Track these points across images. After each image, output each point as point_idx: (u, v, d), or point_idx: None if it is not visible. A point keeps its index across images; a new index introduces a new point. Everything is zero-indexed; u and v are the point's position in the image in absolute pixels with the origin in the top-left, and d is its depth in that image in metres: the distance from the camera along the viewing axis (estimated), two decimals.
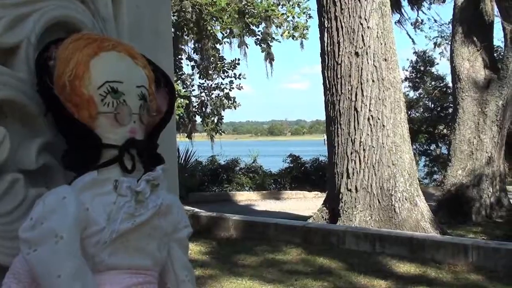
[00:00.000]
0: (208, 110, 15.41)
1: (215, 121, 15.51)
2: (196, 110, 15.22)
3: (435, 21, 25.48)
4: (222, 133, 15.99)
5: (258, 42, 14.69)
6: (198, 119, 15.67)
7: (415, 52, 19.59)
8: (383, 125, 7.88)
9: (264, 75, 14.98)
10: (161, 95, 1.58)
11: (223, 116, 15.60)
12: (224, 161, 15.77)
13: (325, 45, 8.30)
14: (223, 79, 15.49)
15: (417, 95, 19.82)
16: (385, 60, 7.99)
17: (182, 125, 14.37)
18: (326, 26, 8.27)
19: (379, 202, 7.67)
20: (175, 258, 1.53)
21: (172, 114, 1.63)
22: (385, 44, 8.01)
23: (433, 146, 19.01)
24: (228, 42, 14.63)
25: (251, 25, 13.87)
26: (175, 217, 1.54)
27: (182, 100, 12.53)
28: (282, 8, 14.11)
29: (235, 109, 15.35)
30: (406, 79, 19.69)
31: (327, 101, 8.31)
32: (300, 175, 15.27)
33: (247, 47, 14.75)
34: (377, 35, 7.97)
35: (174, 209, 1.53)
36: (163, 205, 1.47)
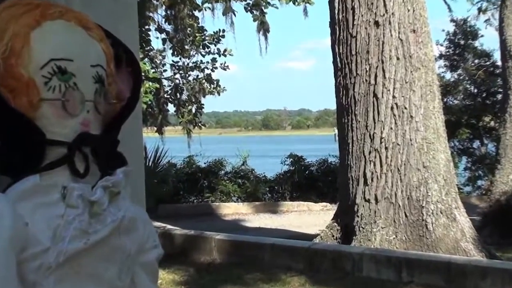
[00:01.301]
0: (184, 96, 15.44)
1: (193, 111, 15.50)
2: (168, 96, 15.24)
3: None
4: (202, 127, 16.02)
5: (249, 8, 14.76)
6: (171, 108, 15.68)
7: (453, 21, 19.76)
8: (411, 116, 7.93)
9: (256, 51, 15.08)
10: (123, 77, 1.59)
11: (203, 104, 15.63)
12: (205, 163, 15.82)
13: (336, 12, 8.32)
14: (203, 56, 15.55)
15: (456, 77, 19.99)
16: (414, 31, 8.03)
17: (150, 116, 14.36)
18: None
19: (406, 216, 7.73)
20: (140, 287, 1.54)
21: (138, 102, 1.64)
22: (413, 11, 8.05)
23: (476, 144, 19.21)
24: (209, 8, 14.63)
25: None
26: (141, 234, 1.54)
27: (150, 83, 12.58)
28: None
29: (219, 95, 15.37)
30: (441, 56, 19.84)
31: (338, 85, 8.38)
32: (304, 181, 15.44)
33: (235, 15, 14.76)
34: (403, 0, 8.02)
35: (139, 224, 1.54)
36: (126, 219, 1.48)
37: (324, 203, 13.98)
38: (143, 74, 9.90)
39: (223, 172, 15.83)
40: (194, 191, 14.98)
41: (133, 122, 1.68)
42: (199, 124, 15.78)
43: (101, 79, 1.49)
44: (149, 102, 13.08)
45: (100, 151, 1.47)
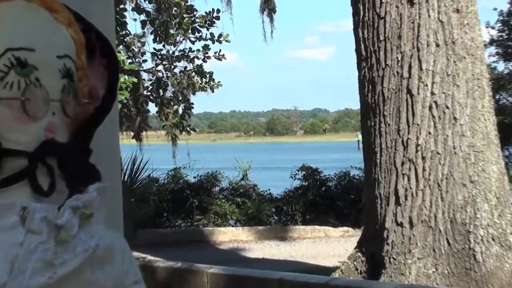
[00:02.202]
0: (169, 93, 15.39)
1: (180, 111, 15.48)
2: (149, 94, 15.20)
3: None
4: (192, 132, 15.98)
5: None
6: (152, 108, 15.71)
7: None
8: (455, 118, 7.91)
9: (259, 36, 15.02)
10: (97, 71, 1.59)
11: (192, 104, 15.66)
12: (195, 178, 15.88)
13: None
14: (192, 43, 15.55)
15: (511, 68, 19.90)
16: (457, 11, 8.02)
17: (126, 119, 14.37)
18: None
19: (448, 243, 7.69)
20: None
21: (114, 101, 1.65)
22: None
23: None
24: None
25: None
26: (119, 267, 1.54)
27: (126, 77, 12.48)
28: None
29: (213, 92, 15.30)
30: (492, 42, 19.70)
31: (362, 78, 8.40)
32: (320, 200, 15.53)
33: None
34: None
35: (117, 254, 1.54)
36: (100, 248, 1.48)
37: (345, 228, 14.03)
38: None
39: (217, 188, 15.87)
40: (182, 213, 15.02)
41: (109, 127, 1.74)
42: (187, 129, 15.68)
43: (69, 73, 1.48)
44: (125, 101, 12.91)
45: (69, 163, 1.46)
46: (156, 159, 15.29)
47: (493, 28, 19.81)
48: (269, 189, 16.35)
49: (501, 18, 19.56)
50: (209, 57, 15.38)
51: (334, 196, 15.67)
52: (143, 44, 15.54)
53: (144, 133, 15.16)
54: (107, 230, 1.52)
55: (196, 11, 15.42)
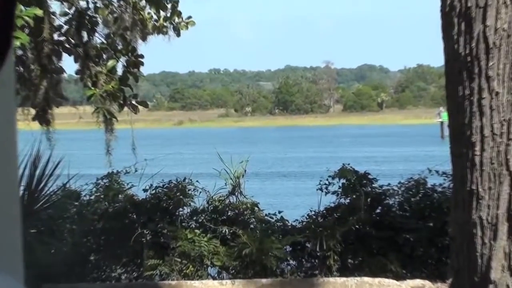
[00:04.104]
0: (99, 38, 12.51)
1: (119, 71, 12.38)
2: (63, 38, 12.25)
3: None
4: (139, 108, 12.89)
5: None
6: (68, 64, 12.63)
7: None
8: None
9: None
10: None
11: (142, 57, 12.54)
12: (146, 192, 13.26)
13: None
14: None
15: None
16: None
17: (22, 85, 11.77)
18: None
19: None
20: None
21: (9, 50, 1.49)
22: None
23: None
24: None
25: None
26: None
27: (23, 8, 10.05)
28: None
29: (179, 35, 12.57)
30: None
31: (449, 10, 7.19)
32: (373, 230, 12.52)
33: None
34: None
35: None
36: None
37: (418, 282, 11.47)
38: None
39: (187, 210, 13.04)
40: (122, 255, 12.46)
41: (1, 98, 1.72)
42: (132, 102, 12.50)
43: None
44: (20, 52, 10.75)
45: None
46: (77, 157, 13.23)
47: None
48: (279, 212, 13.12)
49: None
50: None
51: (398, 223, 12.45)
52: None
53: (53, 110, 12.00)
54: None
55: None
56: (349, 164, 13.60)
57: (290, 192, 15.12)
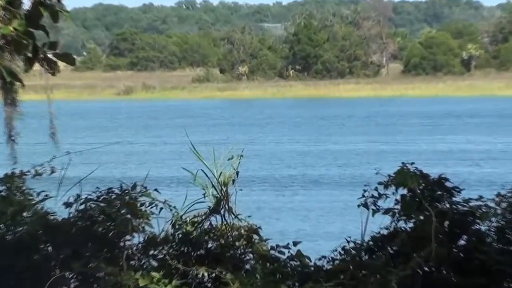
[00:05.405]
0: None
1: (22, 11, 9.17)
2: None
3: None
4: (59, 65, 9.33)
5: None
6: None
7: None
8: None
9: None
10: None
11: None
12: (70, 209, 10.84)
13: None
14: None
15: None
16: None
17: None
18: None
19: None
20: None
21: None
22: None
23: None
24: None
25: None
26: None
27: None
28: None
29: None
30: None
31: None
32: (452, 274, 10.49)
33: None
34: None
35: None
36: None
37: None
38: None
39: (138, 240, 10.62)
40: None
41: None
42: (48, 56, 9.29)
43: None
44: None
45: None
46: None
47: None
48: (295, 243, 10.35)
49: None
50: None
51: (495, 263, 10.14)
52: None
53: None
54: None
55: None
56: (413, 163, 10.38)
57: (312, 209, 14.13)
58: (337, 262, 10.57)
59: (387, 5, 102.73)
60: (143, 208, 10.78)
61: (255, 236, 10.74)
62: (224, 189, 10.85)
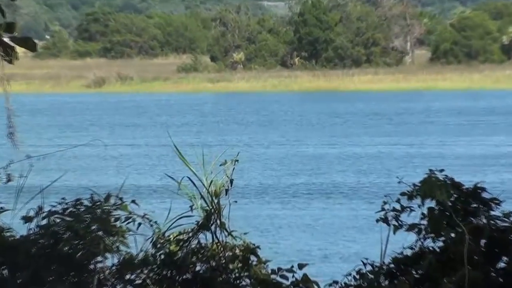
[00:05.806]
0: None
1: None
2: None
3: None
4: (17, 52, 9.17)
5: None
6: None
7: None
8: None
9: None
10: None
11: None
12: (30, 224, 9.60)
13: None
14: None
15: None
16: None
17: None
18: None
19: None
20: None
21: None
22: None
23: None
24: None
25: None
26: None
27: None
28: None
29: None
30: None
31: None
32: None
33: None
34: None
35: None
36: None
37: None
38: None
39: (112, 262, 9.58)
40: None
41: None
42: (4, 41, 8.93)
43: None
44: None
45: None
46: None
47: None
48: (300, 266, 9.46)
49: None
50: None
51: None
52: None
53: None
54: None
55: None
56: (442, 170, 9.37)
57: (322, 224, 13.94)
58: None
59: None
60: (118, 223, 9.62)
61: (253, 257, 9.69)
62: (216, 200, 9.75)
